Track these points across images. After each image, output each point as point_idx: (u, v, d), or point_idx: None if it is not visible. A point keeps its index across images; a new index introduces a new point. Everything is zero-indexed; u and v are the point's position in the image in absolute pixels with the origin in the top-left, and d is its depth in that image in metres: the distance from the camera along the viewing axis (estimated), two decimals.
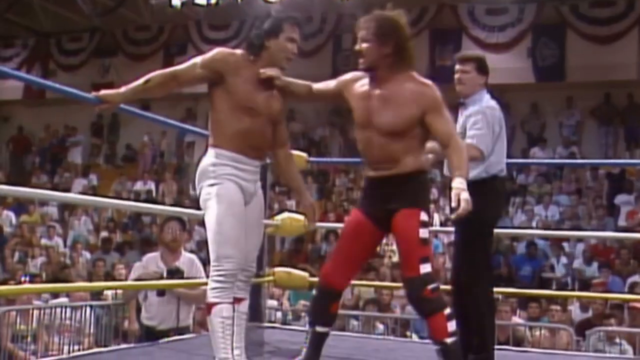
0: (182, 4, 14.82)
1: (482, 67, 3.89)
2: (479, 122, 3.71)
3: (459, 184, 3.06)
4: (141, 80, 3.18)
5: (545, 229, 10.35)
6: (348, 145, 14.48)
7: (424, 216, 3.21)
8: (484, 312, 3.72)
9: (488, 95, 3.90)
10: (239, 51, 3.26)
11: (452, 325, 3.17)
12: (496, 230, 3.94)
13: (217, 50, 3.23)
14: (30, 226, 12.58)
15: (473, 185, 3.31)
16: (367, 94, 3.26)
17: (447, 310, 3.19)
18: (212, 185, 3.13)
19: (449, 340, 3.15)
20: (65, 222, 13.36)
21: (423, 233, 3.18)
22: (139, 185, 14.58)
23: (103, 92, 3.20)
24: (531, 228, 10.51)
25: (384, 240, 11.51)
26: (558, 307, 7.22)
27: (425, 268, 3.17)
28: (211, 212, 3.11)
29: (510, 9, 13.95)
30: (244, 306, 3.28)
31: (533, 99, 14.03)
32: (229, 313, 3.09)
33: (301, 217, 4.98)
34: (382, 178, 3.28)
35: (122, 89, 3.19)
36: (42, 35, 17.59)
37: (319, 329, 3.37)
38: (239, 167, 3.15)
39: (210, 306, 3.09)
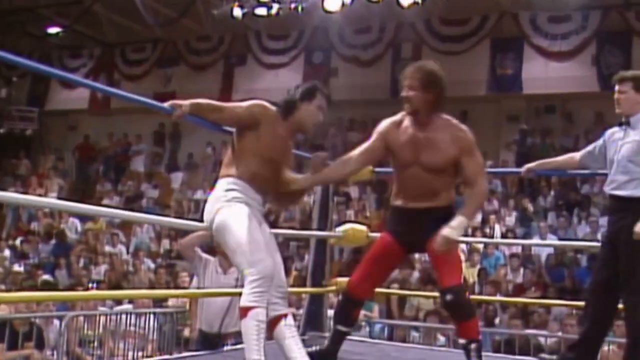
0: (243, 14, 14.98)
1: None
2: None
3: (453, 223, 3.51)
4: (201, 101, 3.40)
5: None
6: None
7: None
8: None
9: None
10: (274, 107, 3.50)
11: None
12: (560, 243, 4.01)
13: (257, 102, 3.48)
14: (94, 233, 12.87)
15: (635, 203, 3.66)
16: (412, 136, 3.67)
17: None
18: (225, 207, 3.32)
19: (480, 337, 3.71)
20: (127, 230, 13.61)
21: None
22: (199, 194, 14.77)
23: (177, 101, 3.37)
24: (596, 240, 10.24)
25: None
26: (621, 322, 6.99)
27: (462, 279, 3.73)
28: (234, 227, 3.27)
29: (574, 16, 13.68)
30: (290, 319, 3.43)
31: (598, 108, 13.64)
32: (263, 317, 3.21)
33: (363, 227, 5.00)
34: (422, 209, 3.69)
35: (188, 102, 3.37)
36: (107, 45, 18.05)
37: (340, 328, 3.89)
38: (249, 196, 3.38)
39: (246, 310, 3.18)
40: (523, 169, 4.54)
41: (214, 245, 6.39)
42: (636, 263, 3.69)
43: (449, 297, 3.57)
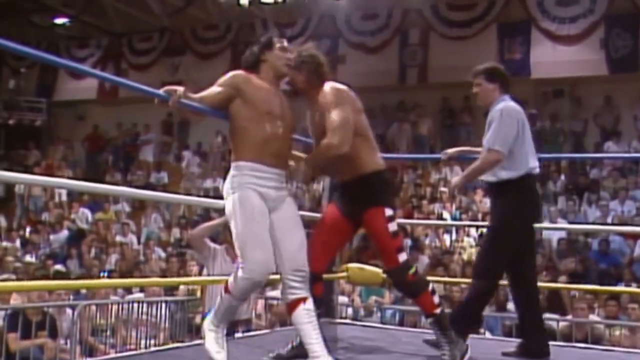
0: (250, 2, 14.97)
1: (490, 76, 4.06)
2: (495, 122, 3.90)
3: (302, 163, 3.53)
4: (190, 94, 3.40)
5: (621, 224, 10.03)
6: (416, 140, 14.38)
7: (388, 212, 3.61)
8: (476, 301, 4.03)
9: (510, 100, 4.02)
10: (241, 71, 3.53)
11: (436, 299, 3.67)
12: (570, 226, 4.11)
13: (226, 75, 3.49)
14: (105, 223, 12.92)
15: (503, 187, 3.90)
16: (309, 117, 3.77)
17: (430, 287, 3.67)
18: (232, 194, 3.33)
19: (437, 310, 3.64)
20: (137, 219, 13.66)
21: (392, 227, 3.60)
22: (208, 183, 14.81)
23: (171, 87, 3.34)
24: (606, 224, 10.22)
25: (454, 237, 11.37)
26: (636, 306, 6.99)
27: (402, 257, 3.62)
28: (235, 220, 3.30)
29: None
30: (310, 303, 3.38)
31: (606, 92, 13.65)
32: (230, 305, 3.39)
33: None
34: (343, 183, 3.72)
35: (182, 89, 3.36)
36: (114, 35, 18.05)
37: None
38: (257, 175, 3.34)
39: (226, 285, 3.36)
40: (442, 155, 4.60)
41: (222, 236, 6.45)
42: (486, 247, 4.01)
43: (391, 280, 3.69)
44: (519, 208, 3.96)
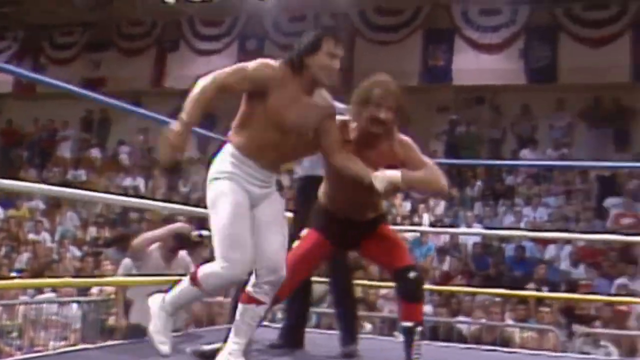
0: None
1: None
2: None
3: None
4: (196, 96, 3.03)
5: (533, 230, 10.32)
6: None
7: None
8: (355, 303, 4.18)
9: None
10: (279, 65, 3.18)
11: None
12: (485, 232, 4.19)
13: (263, 64, 3.16)
14: (17, 220, 12.50)
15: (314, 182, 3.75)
16: None
17: None
18: (219, 179, 3.11)
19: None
20: (52, 217, 13.25)
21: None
22: (127, 181, 14.50)
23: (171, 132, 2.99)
24: (519, 229, 10.49)
25: None
26: (547, 309, 7.21)
27: None
28: (217, 212, 3.08)
29: (504, 10, 13.94)
30: (262, 309, 3.21)
31: (524, 101, 14.03)
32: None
33: None
34: (361, 222, 3.55)
35: (184, 118, 3.00)
36: (33, 28, 17.48)
37: None
38: (246, 171, 3.13)
39: (195, 277, 3.12)
40: None
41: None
42: None
43: (413, 274, 3.41)
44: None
